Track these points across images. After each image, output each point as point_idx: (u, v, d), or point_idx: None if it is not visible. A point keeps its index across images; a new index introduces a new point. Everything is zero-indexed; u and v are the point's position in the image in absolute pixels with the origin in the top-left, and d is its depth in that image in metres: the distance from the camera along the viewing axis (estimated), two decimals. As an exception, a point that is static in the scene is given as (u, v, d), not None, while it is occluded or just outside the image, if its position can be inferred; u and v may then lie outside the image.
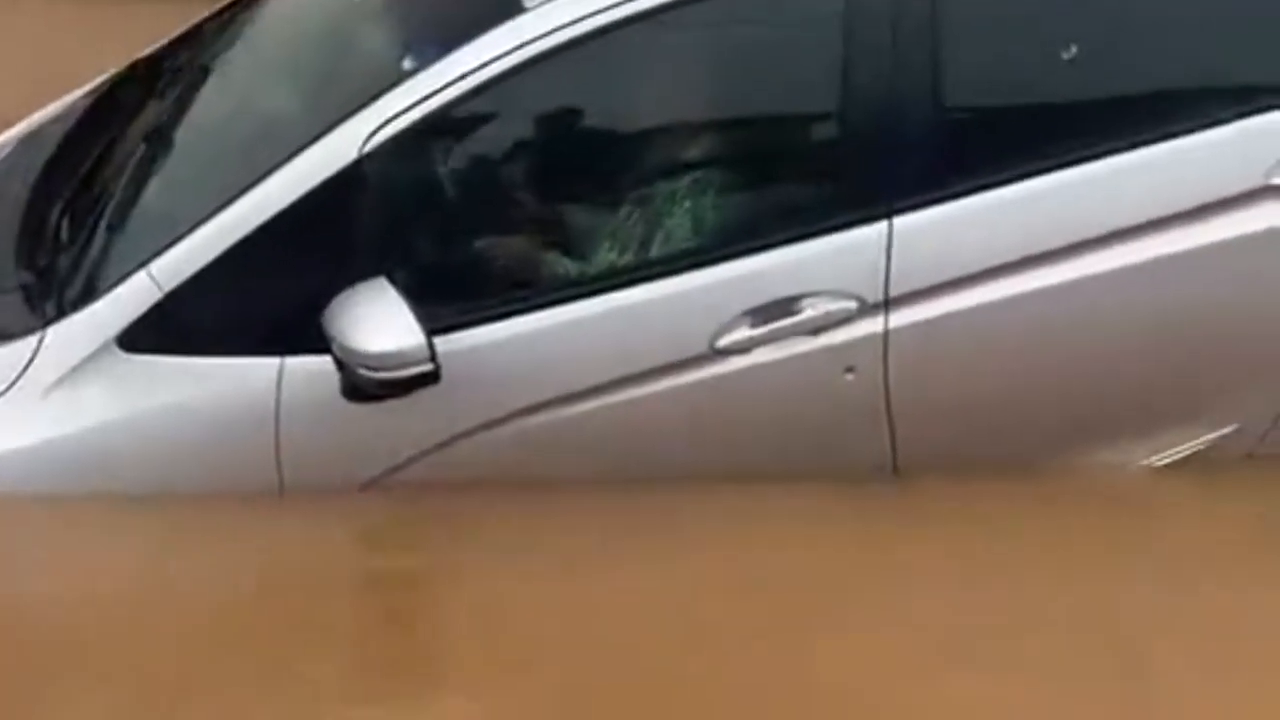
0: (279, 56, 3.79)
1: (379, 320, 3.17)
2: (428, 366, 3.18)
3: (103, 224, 3.55)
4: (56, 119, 4.04)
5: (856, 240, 3.35)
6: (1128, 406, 3.44)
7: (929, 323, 3.37)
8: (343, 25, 3.75)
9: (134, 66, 4.04)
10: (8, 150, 4.02)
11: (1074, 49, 3.33)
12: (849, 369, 3.37)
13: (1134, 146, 3.36)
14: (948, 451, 3.46)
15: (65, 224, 3.60)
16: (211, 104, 3.75)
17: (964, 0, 3.36)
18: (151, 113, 3.84)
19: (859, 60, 3.32)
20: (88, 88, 4.16)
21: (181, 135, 3.71)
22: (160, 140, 3.72)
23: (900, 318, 3.37)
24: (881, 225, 3.35)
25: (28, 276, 3.50)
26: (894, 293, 3.36)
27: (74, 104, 4.08)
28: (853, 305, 3.34)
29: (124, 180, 3.63)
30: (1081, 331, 3.39)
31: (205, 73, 3.88)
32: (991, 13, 3.37)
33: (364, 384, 3.20)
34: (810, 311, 3.35)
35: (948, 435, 3.45)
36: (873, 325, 3.37)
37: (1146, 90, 3.37)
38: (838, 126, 3.38)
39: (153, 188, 3.58)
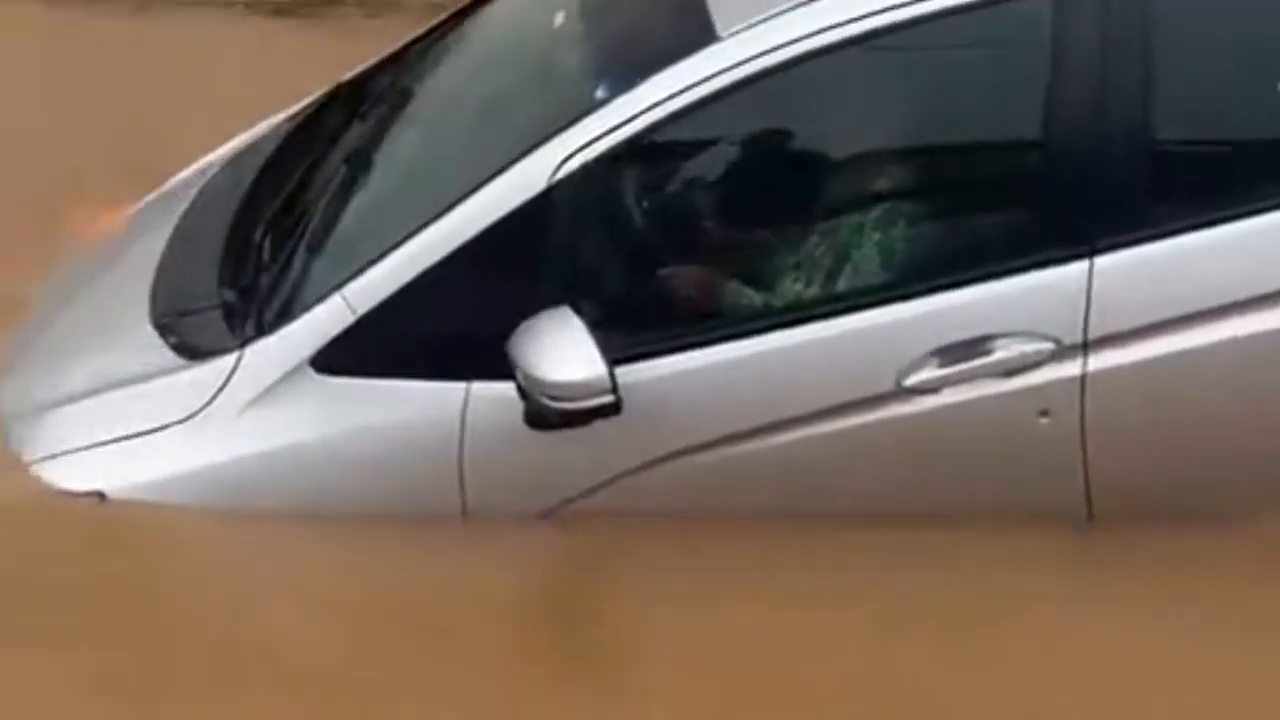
0: (477, 81, 3.81)
1: (562, 349, 3.15)
2: (609, 398, 3.14)
3: (301, 246, 3.59)
4: (263, 140, 4.12)
5: (1055, 279, 3.22)
6: None
7: (1130, 367, 3.20)
8: (540, 51, 3.74)
9: (338, 89, 4.09)
10: (216, 170, 4.09)
11: None
12: (1043, 412, 3.23)
13: None
14: (1147, 500, 3.29)
15: (266, 245, 3.65)
16: (409, 128, 3.78)
17: (1178, 26, 3.18)
18: (352, 136, 3.88)
19: (1065, 88, 3.19)
20: (294, 109, 4.22)
21: (379, 159, 3.74)
22: (359, 164, 3.76)
23: (1099, 361, 3.22)
24: (1082, 264, 3.20)
25: (229, 296, 3.55)
26: (1093, 335, 3.20)
27: (279, 126, 4.14)
28: (1049, 346, 3.20)
29: (323, 203, 3.68)
30: None
31: (405, 97, 3.91)
32: (1208, 39, 3.19)
33: (546, 413, 3.18)
34: (1003, 352, 3.22)
35: (1147, 483, 3.28)
36: (1070, 368, 3.22)
37: None
38: (1039, 157, 3.26)
39: (350, 211, 3.61)
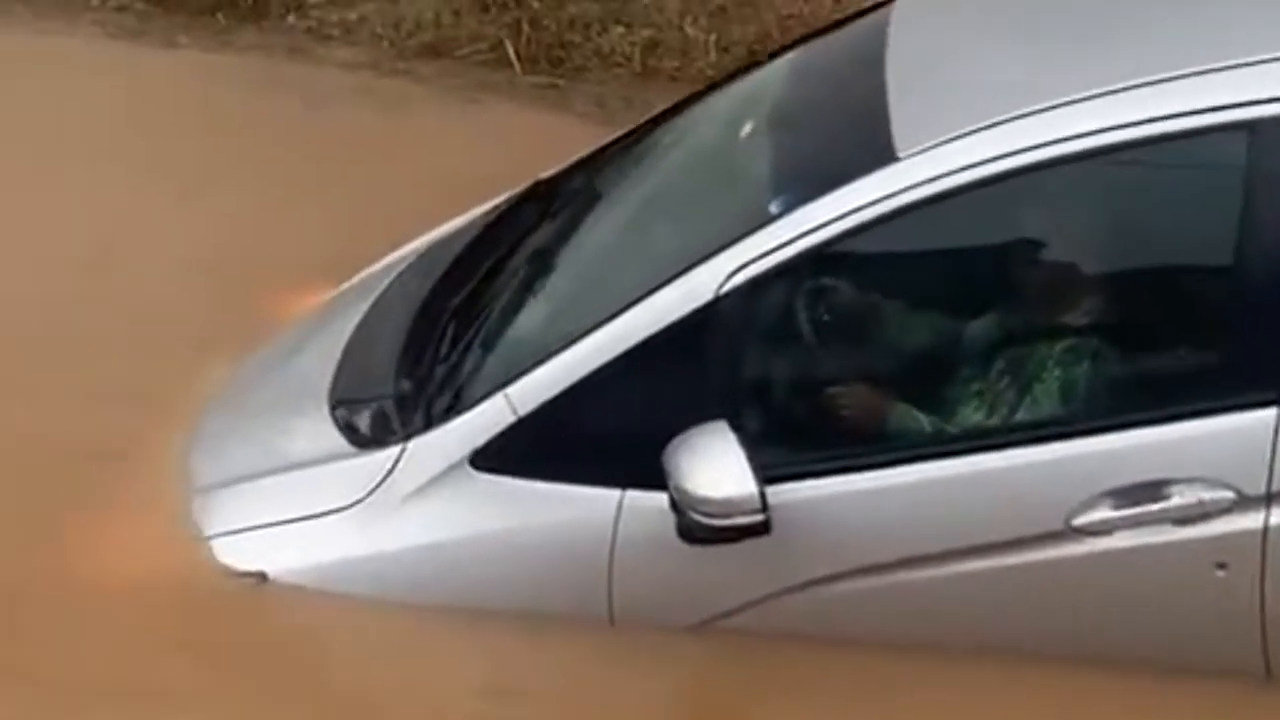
0: (661, 188, 3.77)
1: (714, 464, 3.05)
2: (758, 517, 3.03)
3: (476, 343, 3.56)
4: (458, 234, 4.11)
5: (1240, 425, 2.99)
6: None
7: None
8: (724, 160, 3.68)
9: (535, 186, 4.06)
10: (410, 261, 4.10)
11: None
12: (1221, 565, 3.01)
13: None
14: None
15: (445, 339, 3.64)
16: (590, 231, 3.75)
17: None
18: (537, 236, 3.87)
19: (1259, 226, 2.96)
20: (493, 204, 4.21)
21: (558, 261, 3.73)
22: (538, 264, 3.75)
23: None
24: (1270, 411, 2.96)
25: (403, 387, 3.54)
26: (1278, 486, 2.95)
27: (476, 220, 4.13)
28: (1229, 495, 2.98)
29: (500, 301, 3.65)
30: None
31: (591, 199, 3.89)
32: None
33: (695, 528, 3.06)
34: (1180, 498, 3.00)
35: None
36: (1251, 520, 2.99)
37: None
38: (1230, 297, 3.03)
39: (524, 311, 3.59)
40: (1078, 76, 3.17)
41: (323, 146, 4.99)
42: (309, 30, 5.76)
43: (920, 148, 3.19)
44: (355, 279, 4.36)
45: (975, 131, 3.16)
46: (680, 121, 3.95)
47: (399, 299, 3.93)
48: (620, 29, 5.49)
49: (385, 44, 5.63)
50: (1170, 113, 3.06)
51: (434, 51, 5.60)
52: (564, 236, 3.82)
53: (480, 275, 3.85)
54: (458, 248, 4.03)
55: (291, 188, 4.81)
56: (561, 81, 5.42)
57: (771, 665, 3.29)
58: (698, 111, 3.95)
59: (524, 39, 5.51)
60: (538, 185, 4.19)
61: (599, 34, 5.51)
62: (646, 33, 5.49)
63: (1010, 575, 3.13)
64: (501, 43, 5.50)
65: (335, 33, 5.71)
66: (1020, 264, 3.26)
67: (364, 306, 4.01)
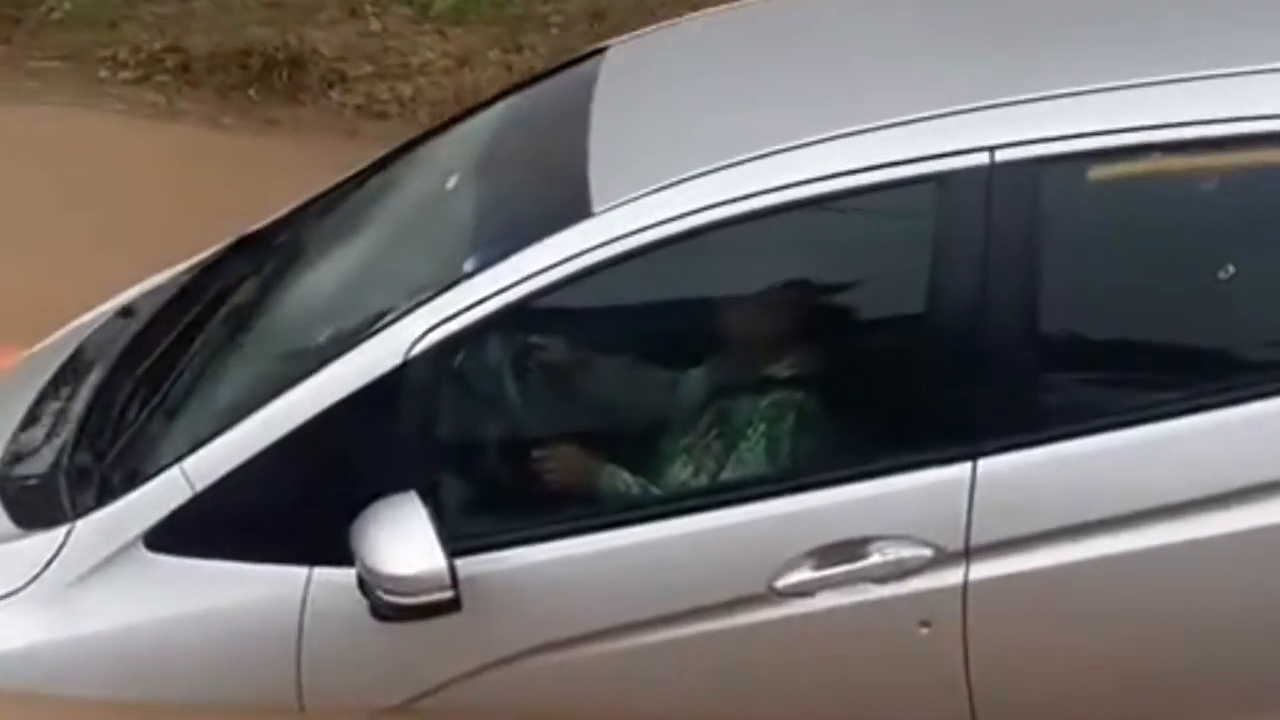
0: (361, 244, 3.55)
1: (400, 539, 2.83)
2: (447, 594, 2.81)
3: (156, 412, 3.28)
4: (157, 290, 3.81)
5: (935, 480, 2.88)
6: (1258, 684, 2.87)
7: (1015, 577, 2.86)
8: (425, 215, 3.48)
9: (239, 241, 3.80)
10: (103, 321, 3.79)
11: (1223, 271, 2.81)
12: (924, 622, 2.89)
13: (1256, 397, 2.81)
14: (1035, 717, 2.93)
15: (125, 409, 3.34)
16: (287, 290, 3.52)
17: (1066, 222, 2.88)
18: (236, 294, 3.60)
19: (948, 282, 2.87)
20: (195, 259, 3.92)
21: (252, 321, 3.48)
22: (231, 325, 3.50)
23: (982, 569, 2.87)
24: (965, 466, 2.87)
25: (77, 461, 3.23)
26: (975, 542, 2.86)
27: (176, 276, 3.85)
28: (928, 553, 2.86)
29: (186, 366, 3.38)
30: (1194, 598, 2.84)
31: (293, 255, 3.65)
32: (1097, 237, 2.89)
33: (382, 606, 2.83)
34: (880, 556, 2.88)
35: (1036, 699, 2.91)
36: (951, 576, 2.88)
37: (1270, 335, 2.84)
38: (921, 353, 2.95)
39: (209, 377, 3.32)
40: (781, 128, 3.06)
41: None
42: (358, 108, 5.28)
43: (615, 202, 3.04)
44: (51, 338, 4.04)
45: (670, 186, 3.03)
46: (390, 172, 3.77)
47: (83, 364, 3.63)
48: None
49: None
50: (862, 165, 2.96)
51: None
52: (261, 295, 3.60)
53: (171, 338, 3.57)
54: (154, 306, 3.74)
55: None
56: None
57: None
58: (407, 162, 3.77)
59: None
60: (243, 240, 3.94)
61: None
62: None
63: (716, 641, 2.99)
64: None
65: (390, 109, 5.23)
66: (719, 320, 3.15)
67: (49, 372, 3.69)
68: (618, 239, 3.02)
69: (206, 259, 3.99)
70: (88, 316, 4.04)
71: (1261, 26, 3.14)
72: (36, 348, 4.09)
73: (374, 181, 3.78)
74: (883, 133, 3.03)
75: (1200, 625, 2.91)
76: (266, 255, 3.77)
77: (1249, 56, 3.00)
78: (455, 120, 3.89)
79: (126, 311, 3.88)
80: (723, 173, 3.04)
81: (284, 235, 3.82)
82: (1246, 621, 2.91)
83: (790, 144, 3.07)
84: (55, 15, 5.71)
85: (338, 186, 3.89)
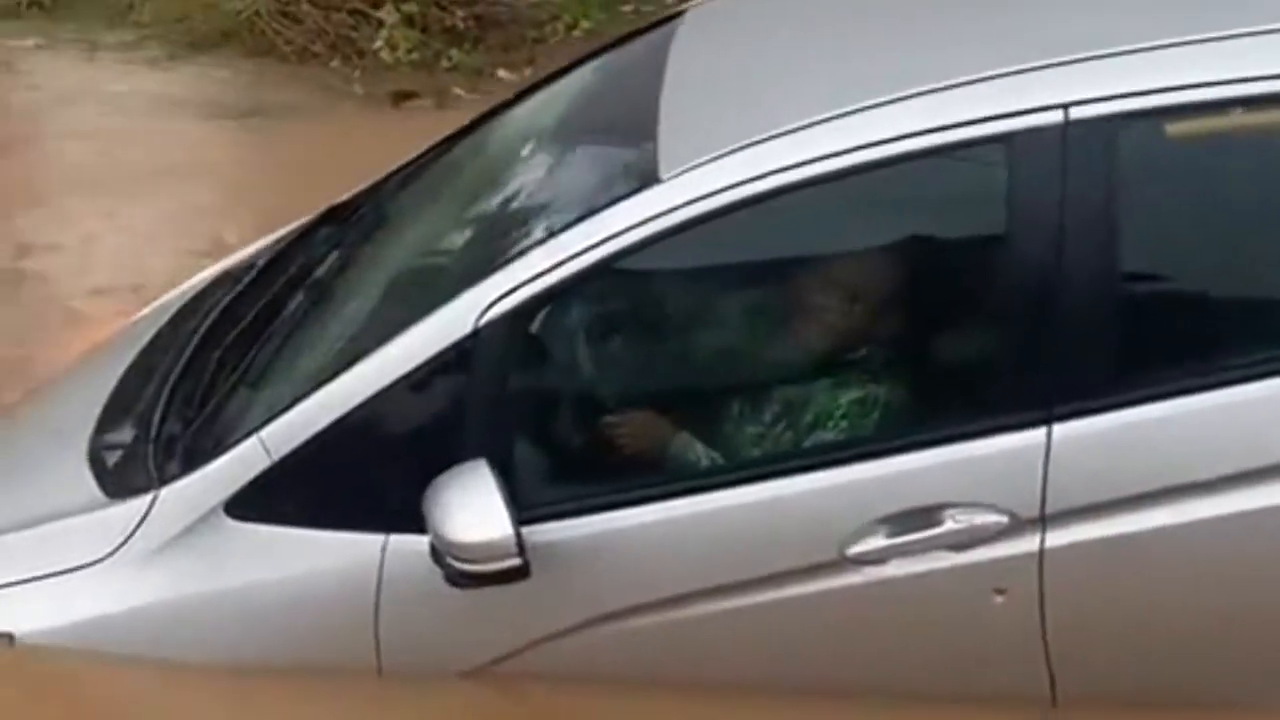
0: (438, 214, 3.53)
1: (469, 507, 2.79)
2: (515, 561, 2.77)
3: (240, 383, 3.28)
4: (245, 263, 3.83)
5: (1010, 447, 2.78)
6: None
7: (1091, 544, 2.75)
8: (499, 183, 3.44)
9: (328, 212, 3.80)
10: (196, 290, 3.81)
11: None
12: (999, 590, 2.80)
13: None
14: (1118, 687, 2.82)
15: (212, 379, 3.35)
16: (367, 261, 3.52)
17: (1143, 185, 2.75)
18: (319, 266, 3.61)
19: (1023, 245, 2.75)
20: (286, 229, 3.92)
21: (331, 292, 3.49)
22: (313, 296, 3.51)
23: (1058, 536, 2.77)
24: (1040, 431, 2.76)
25: (163, 430, 3.25)
26: (1051, 509, 2.76)
27: (264, 248, 3.85)
28: (1003, 519, 2.77)
29: (269, 337, 3.38)
30: (1273, 565, 2.72)
31: (375, 226, 3.64)
32: (1174, 200, 2.76)
33: (452, 573, 2.80)
34: (954, 524, 2.79)
35: (1113, 667, 2.81)
36: (1027, 544, 2.79)
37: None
38: (996, 317, 2.84)
39: (291, 348, 3.31)
40: (852, 89, 2.96)
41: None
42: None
43: (682, 168, 2.96)
44: (146, 310, 4.07)
45: (736, 150, 2.94)
46: (473, 139, 3.73)
47: (175, 334, 3.65)
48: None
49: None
50: (935, 125, 2.86)
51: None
52: (342, 265, 3.59)
53: (257, 309, 3.58)
54: (243, 279, 3.75)
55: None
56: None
57: (550, 710, 3.04)
58: (489, 129, 3.72)
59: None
60: (332, 210, 3.93)
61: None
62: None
63: (787, 609, 2.92)
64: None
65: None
66: (792, 286, 3.05)
67: (143, 342, 3.71)
68: (683, 205, 2.95)
69: (298, 228, 3.98)
70: (183, 286, 4.06)
71: None
72: (136, 317, 4.13)
73: (457, 149, 3.75)
74: (956, 91, 2.91)
75: (1276, 596, 2.78)
76: (350, 225, 3.76)
77: None
78: (537, 86, 3.83)
79: (219, 281, 3.89)
80: (790, 136, 2.96)
81: (368, 206, 3.80)
82: None
83: (861, 105, 2.96)
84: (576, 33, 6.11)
85: (424, 154, 3.85)
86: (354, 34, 6.51)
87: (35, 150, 5.88)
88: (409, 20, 6.50)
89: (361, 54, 6.48)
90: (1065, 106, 2.82)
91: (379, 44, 6.46)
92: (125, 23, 6.89)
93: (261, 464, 3.05)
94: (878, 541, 2.90)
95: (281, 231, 4.05)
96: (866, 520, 2.89)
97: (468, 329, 2.98)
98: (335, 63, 6.52)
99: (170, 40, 6.70)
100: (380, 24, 6.50)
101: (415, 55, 6.32)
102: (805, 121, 2.96)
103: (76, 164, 5.72)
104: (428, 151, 3.84)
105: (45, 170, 5.74)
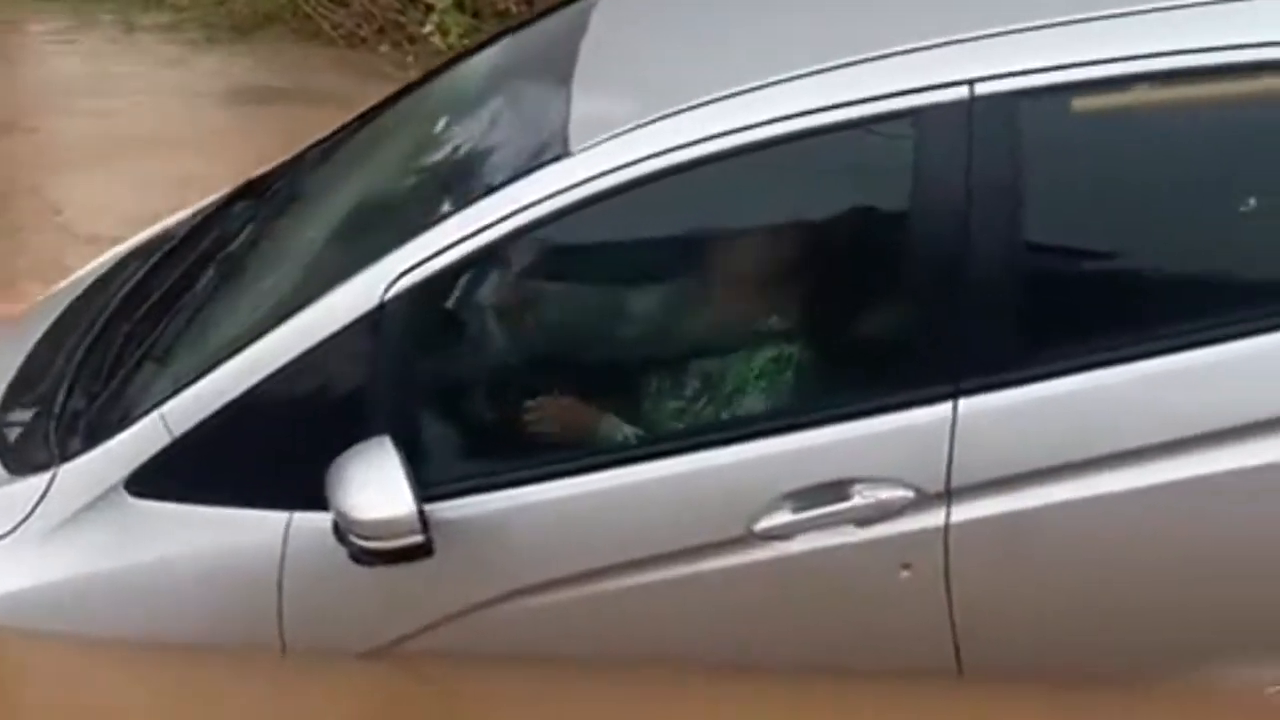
0: (351, 189, 3.48)
1: (371, 484, 2.74)
2: (417, 538, 2.72)
3: (145, 359, 3.22)
4: (162, 236, 3.75)
5: (915, 421, 2.77)
6: (1237, 625, 2.75)
7: (996, 519, 2.75)
8: (412, 158, 3.38)
9: (245, 186, 3.73)
10: (113, 264, 3.73)
11: (1208, 204, 2.66)
12: (905, 565, 2.78)
13: (1247, 334, 2.68)
14: (1021, 660, 2.82)
15: (117, 354, 3.28)
16: (276, 236, 3.47)
17: (1048, 161, 2.74)
18: (231, 240, 3.55)
19: (929, 215, 2.73)
20: (204, 203, 3.86)
21: (239, 268, 3.44)
22: (221, 271, 3.47)
23: (963, 512, 2.76)
24: (946, 406, 2.75)
25: (67, 407, 3.18)
26: (956, 484, 2.75)
27: (182, 221, 3.78)
28: (909, 494, 2.75)
29: (176, 313, 3.33)
30: (1174, 539, 2.72)
31: (287, 201, 3.59)
32: (1080, 176, 2.75)
33: (354, 551, 2.75)
34: (860, 499, 2.77)
35: (1018, 642, 2.81)
36: (932, 518, 2.77)
37: (1262, 276, 2.70)
38: (900, 290, 2.82)
39: (196, 323, 3.26)
40: (759, 65, 2.93)
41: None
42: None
43: (592, 141, 2.92)
44: (61, 284, 3.99)
45: (646, 124, 2.91)
46: (386, 117, 3.67)
47: (85, 310, 3.58)
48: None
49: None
50: (839, 101, 2.83)
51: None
52: (254, 241, 3.54)
53: (167, 285, 3.51)
54: (156, 253, 3.68)
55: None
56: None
57: (455, 688, 3.02)
58: (402, 106, 3.66)
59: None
60: (249, 184, 3.86)
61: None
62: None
63: (694, 584, 2.90)
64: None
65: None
66: (697, 261, 3.03)
67: (54, 317, 3.64)
68: (593, 178, 2.91)
69: (214, 202, 3.91)
70: (97, 261, 3.99)
71: None
72: (50, 291, 4.05)
73: (376, 123, 3.69)
74: (864, 67, 2.89)
75: (1180, 566, 2.80)
76: (265, 200, 3.70)
77: None
78: (459, 58, 3.78)
79: (133, 256, 3.82)
80: (699, 110, 2.93)
81: (280, 182, 3.74)
82: (1225, 563, 2.79)
83: (769, 80, 2.94)
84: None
85: (343, 128, 3.80)
86: (402, 18, 6.18)
87: (57, 128, 5.65)
88: (459, 4, 6.16)
89: (412, 39, 6.16)
90: (971, 83, 2.80)
91: (429, 28, 6.12)
92: (161, 5, 6.64)
93: (162, 441, 3.00)
94: (785, 516, 2.88)
95: (198, 205, 3.98)
96: (774, 495, 2.87)
97: (374, 302, 2.94)
98: (384, 48, 6.22)
99: (209, 23, 6.44)
100: (430, 8, 6.15)
101: (467, 40, 6.06)
102: (715, 95, 2.93)
103: (98, 139, 5.48)
104: (347, 125, 3.78)
105: (61, 146, 5.53)
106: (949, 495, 2.85)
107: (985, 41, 2.84)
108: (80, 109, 5.89)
